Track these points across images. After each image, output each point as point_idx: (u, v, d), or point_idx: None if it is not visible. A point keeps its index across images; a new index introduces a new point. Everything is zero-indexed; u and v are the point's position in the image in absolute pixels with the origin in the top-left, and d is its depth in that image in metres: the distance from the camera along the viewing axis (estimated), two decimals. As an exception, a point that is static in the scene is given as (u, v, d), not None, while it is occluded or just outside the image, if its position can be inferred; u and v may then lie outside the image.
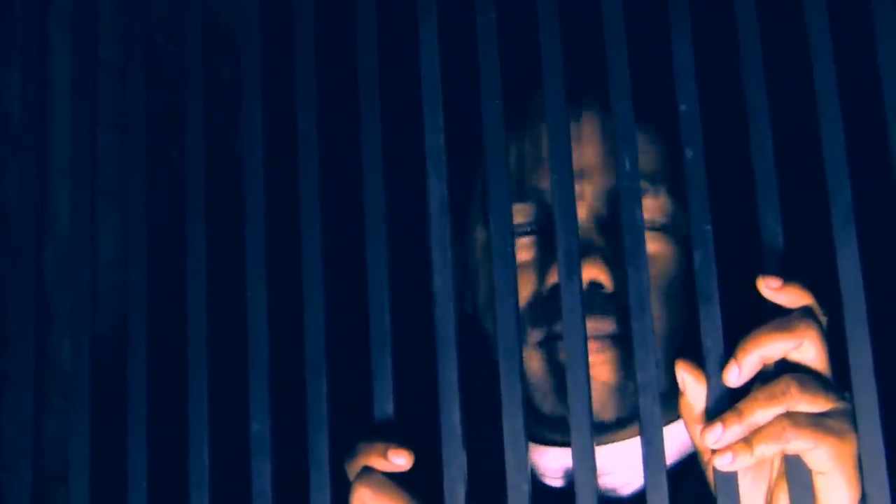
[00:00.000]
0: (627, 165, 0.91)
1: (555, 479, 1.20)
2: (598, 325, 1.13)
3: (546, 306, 1.15)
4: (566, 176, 0.92)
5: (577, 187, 1.15)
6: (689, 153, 0.90)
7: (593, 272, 1.13)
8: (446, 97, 0.96)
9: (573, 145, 1.04)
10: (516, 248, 1.15)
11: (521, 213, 1.19)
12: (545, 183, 1.17)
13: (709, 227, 0.89)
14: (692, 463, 1.11)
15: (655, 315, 1.04)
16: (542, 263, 1.17)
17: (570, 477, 1.18)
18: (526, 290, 1.16)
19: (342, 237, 1.03)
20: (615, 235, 1.16)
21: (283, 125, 1.01)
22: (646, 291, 0.89)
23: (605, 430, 1.15)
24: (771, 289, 0.89)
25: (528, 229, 1.19)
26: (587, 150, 1.18)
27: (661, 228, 1.17)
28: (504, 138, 0.94)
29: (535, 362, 1.16)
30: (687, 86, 0.91)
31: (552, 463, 1.20)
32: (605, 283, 1.13)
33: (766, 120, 0.89)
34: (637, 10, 0.95)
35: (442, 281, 0.93)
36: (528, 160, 1.20)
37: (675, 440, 1.15)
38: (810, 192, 0.95)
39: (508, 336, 0.91)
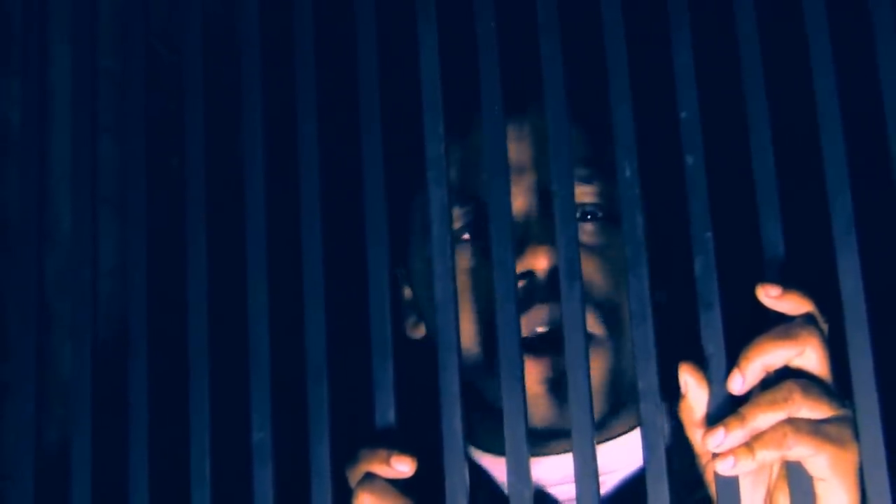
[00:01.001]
0: (628, 173, 0.91)
1: (557, 487, 1.20)
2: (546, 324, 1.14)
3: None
4: (567, 185, 0.92)
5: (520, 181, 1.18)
6: (689, 160, 0.90)
7: (544, 259, 1.14)
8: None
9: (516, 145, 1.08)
10: (462, 253, 1.16)
11: (462, 217, 1.19)
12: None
13: (709, 234, 0.89)
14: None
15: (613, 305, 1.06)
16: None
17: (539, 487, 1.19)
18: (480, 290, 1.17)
19: (344, 244, 1.03)
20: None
21: (284, 133, 1.01)
22: (647, 300, 0.89)
23: (538, 439, 1.15)
24: (771, 297, 0.89)
25: (469, 232, 1.20)
26: (519, 146, 1.19)
27: (599, 212, 1.18)
28: (506, 145, 0.94)
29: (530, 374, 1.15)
30: (687, 93, 0.91)
31: (554, 473, 1.19)
32: (539, 269, 1.14)
33: (766, 126, 0.89)
34: (635, 15, 0.95)
35: (443, 289, 0.93)
36: (469, 165, 1.21)
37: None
38: (811, 197, 0.95)
39: (510, 344, 0.91)
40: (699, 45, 0.92)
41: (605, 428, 1.19)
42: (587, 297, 1.13)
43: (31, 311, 1.02)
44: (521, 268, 1.14)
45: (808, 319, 0.90)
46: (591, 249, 1.17)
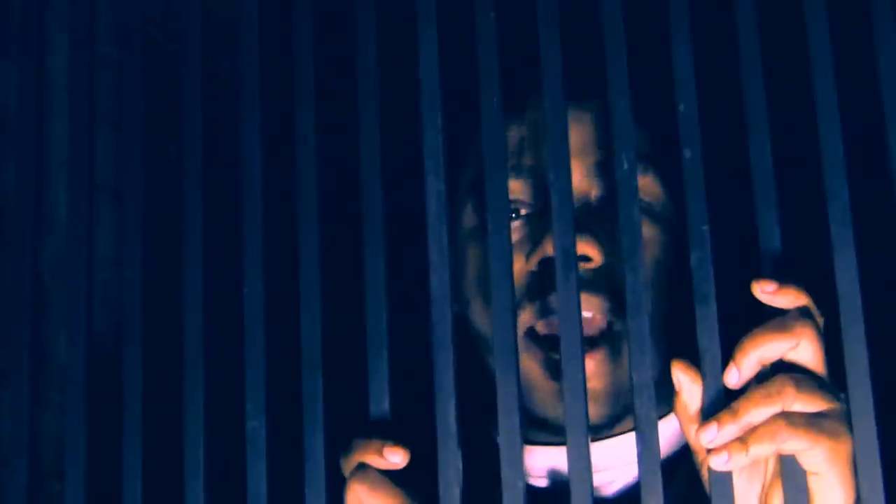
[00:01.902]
0: (626, 165, 0.91)
1: (539, 479, 1.20)
2: (586, 307, 1.13)
3: (534, 284, 1.16)
4: (565, 178, 0.92)
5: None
6: (687, 153, 0.90)
7: (583, 247, 1.14)
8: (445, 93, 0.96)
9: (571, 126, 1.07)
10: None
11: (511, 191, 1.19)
12: (522, 174, 1.18)
13: (706, 228, 0.89)
14: (679, 460, 1.11)
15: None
16: (532, 241, 1.17)
17: (554, 477, 1.19)
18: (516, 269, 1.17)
19: (340, 235, 1.03)
20: (604, 212, 1.17)
21: (282, 123, 1.01)
22: (642, 292, 0.89)
23: (597, 431, 1.15)
24: (766, 293, 0.89)
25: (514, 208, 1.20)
26: (577, 131, 1.19)
27: (647, 210, 1.17)
28: (504, 139, 0.94)
29: (527, 361, 1.16)
30: (686, 86, 0.91)
31: (537, 462, 1.19)
32: (593, 256, 1.14)
33: (764, 120, 0.89)
34: (636, 10, 0.95)
35: (439, 281, 0.93)
36: (526, 139, 1.20)
37: (665, 436, 1.15)
38: (807, 191, 0.95)
39: (505, 334, 0.91)
40: (698, 39, 0.91)
41: (617, 424, 1.18)
42: (600, 285, 1.13)
43: (27, 299, 1.02)
44: (539, 256, 1.15)
45: (803, 312, 0.90)
46: (608, 235, 1.17)
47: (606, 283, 1.15)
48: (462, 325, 1.23)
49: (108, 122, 1.35)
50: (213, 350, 0.97)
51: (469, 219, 1.23)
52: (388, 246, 0.95)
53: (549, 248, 1.14)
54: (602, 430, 1.17)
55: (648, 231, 1.17)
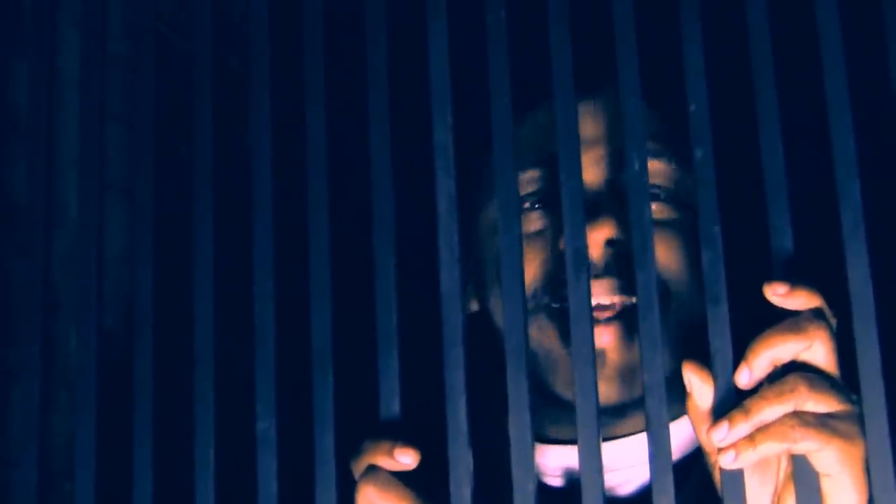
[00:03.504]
0: (637, 165, 0.90)
1: (554, 478, 1.20)
2: (607, 294, 1.14)
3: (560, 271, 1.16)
4: (576, 177, 0.92)
5: (591, 153, 1.17)
6: (698, 153, 0.90)
7: (606, 230, 1.14)
8: (455, 91, 0.96)
9: (585, 119, 1.08)
10: (527, 219, 1.16)
11: (531, 182, 1.19)
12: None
13: (718, 228, 0.88)
14: (693, 462, 1.11)
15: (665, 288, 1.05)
16: (555, 230, 1.17)
17: (569, 476, 1.18)
18: (540, 256, 1.17)
19: (350, 233, 1.03)
20: (619, 198, 1.17)
21: (292, 120, 1.01)
22: (653, 290, 0.88)
23: (616, 413, 1.15)
24: (778, 295, 0.89)
25: (537, 198, 1.20)
26: (593, 121, 1.19)
27: (666, 196, 1.17)
28: (512, 137, 0.94)
29: (548, 335, 1.15)
30: (697, 85, 0.91)
31: (551, 461, 1.19)
32: (619, 237, 1.14)
33: (775, 120, 0.89)
34: (647, 7, 0.95)
35: (449, 279, 0.93)
36: (545, 129, 1.20)
37: (678, 437, 1.14)
38: (819, 191, 0.94)
39: (516, 334, 0.90)
40: (710, 38, 0.91)
41: (629, 413, 1.18)
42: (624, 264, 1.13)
43: (37, 298, 1.02)
44: (602, 235, 1.15)
45: (816, 313, 0.89)
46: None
47: (623, 264, 1.15)
48: (478, 322, 1.23)
49: (120, 121, 1.35)
50: (224, 349, 0.97)
51: (493, 213, 1.22)
52: (398, 244, 0.95)
53: (607, 231, 1.15)
54: (620, 412, 1.16)
55: (666, 213, 1.18)
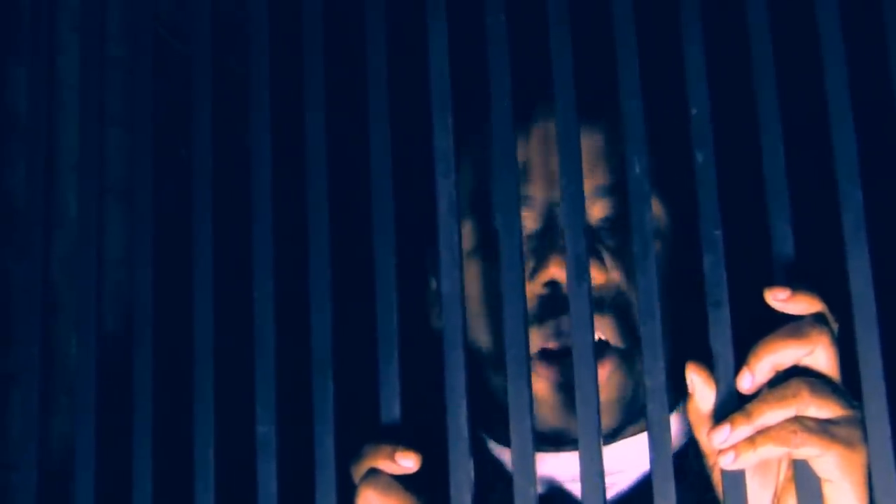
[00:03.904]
0: (637, 168, 0.90)
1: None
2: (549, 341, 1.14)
3: (545, 305, 1.15)
4: (577, 184, 0.91)
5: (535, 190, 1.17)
6: (699, 157, 0.90)
7: (552, 272, 1.14)
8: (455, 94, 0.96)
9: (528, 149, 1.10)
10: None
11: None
12: (528, 189, 1.17)
13: (719, 232, 0.88)
14: (682, 463, 1.11)
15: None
16: (536, 259, 1.17)
17: (548, 483, 1.18)
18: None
19: (351, 237, 1.03)
20: (609, 233, 1.17)
21: (292, 124, 1.00)
22: (655, 296, 0.88)
23: (544, 443, 1.15)
24: (780, 300, 0.89)
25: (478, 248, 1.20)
26: (537, 153, 1.19)
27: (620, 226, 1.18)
28: (514, 142, 0.93)
29: (536, 380, 1.15)
30: (698, 89, 0.90)
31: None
32: (595, 276, 1.13)
33: (776, 123, 0.89)
34: (647, 11, 0.95)
35: (450, 284, 0.93)
36: (528, 155, 1.20)
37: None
38: (821, 195, 0.94)
39: (517, 341, 0.90)
40: (710, 41, 0.91)
41: (621, 434, 1.18)
42: (606, 305, 1.13)
43: (37, 301, 1.02)
44: (545, 277, 1.14)
45: (817, 318, 0.89)
46: (613, 255, 1.17)
47: (612, 303, 1.15)
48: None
49: (119, 124, 1.35)
50: (224, 351, 0.97)
51: (467, 238, 1.22)
52: (398, 248, 0.95)
53: (553, 271, 1.14)
54: (604, 440, 1.16)
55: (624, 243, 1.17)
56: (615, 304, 1.15)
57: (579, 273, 0.90)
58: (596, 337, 1.12)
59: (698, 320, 0.89)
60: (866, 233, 0.85)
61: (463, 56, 0.97)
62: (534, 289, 1.15)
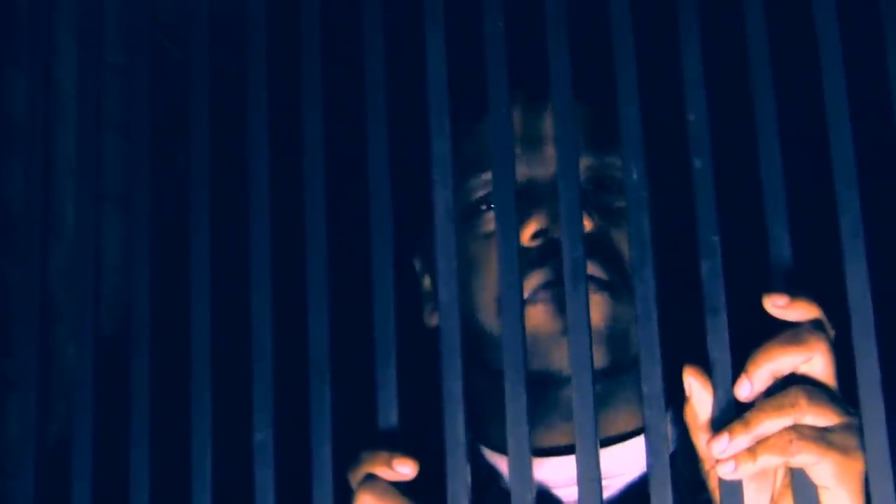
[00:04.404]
0: (635, 175, 0.90)
1: None
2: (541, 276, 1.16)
3: (535, 255, 1.17)
4: (574, 188, 0.91)
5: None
6: (697, 163, 0.90)
7: (538, 222, 1.16)
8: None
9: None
10: (486, 220, 1.18)
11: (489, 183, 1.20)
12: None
13: (716, 238, 0.88)
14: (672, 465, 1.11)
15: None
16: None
17: (538, 487, 1.18)
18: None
19: (348, 243, 1.02)
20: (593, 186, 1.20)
21: (290, 126, 1.00)
22: (652, 302, 0.88)
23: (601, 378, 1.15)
24: (778, 307, 0.89)
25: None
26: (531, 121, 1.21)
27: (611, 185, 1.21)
28: (513, 144, 0.94)
29: (533, 312, 1.16)
30: (696, 95, 0.90)
31: None
32: (549, 227, 1.16)
33: (774, 130, 0.89)
34: (645, 17, 0.95)
35: (448, 291, 0.93)
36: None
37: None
38: (818, 201, 0.94)
39: (514, 347, 0.90)
40: (708, 47, 0.91)
41: (614, 374, 1.19)
42: (594, 250, 1.13)
43: (35, 308, 1.02)
44: (533, 228, 1.17)
45: (815, 325, 0.89)
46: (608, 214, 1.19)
47: (601, 246, 1.17)
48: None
49: (117, 130, 1.35)
50: (221, 358, 0.97)
51: (488, 223, 1.23)
52: (396, 253, 0.95)
53: (537, 222, 1.16)
54: (605, 377, 1.17)
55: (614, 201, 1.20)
56: (602, 247, 1.16)
57: (576, 278, 0.90)
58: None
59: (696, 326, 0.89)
60: (863, 239, 0.85)
61: (461, 60, 0.97)
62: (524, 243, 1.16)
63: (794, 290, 0.88)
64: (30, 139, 1.05)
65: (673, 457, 1.10)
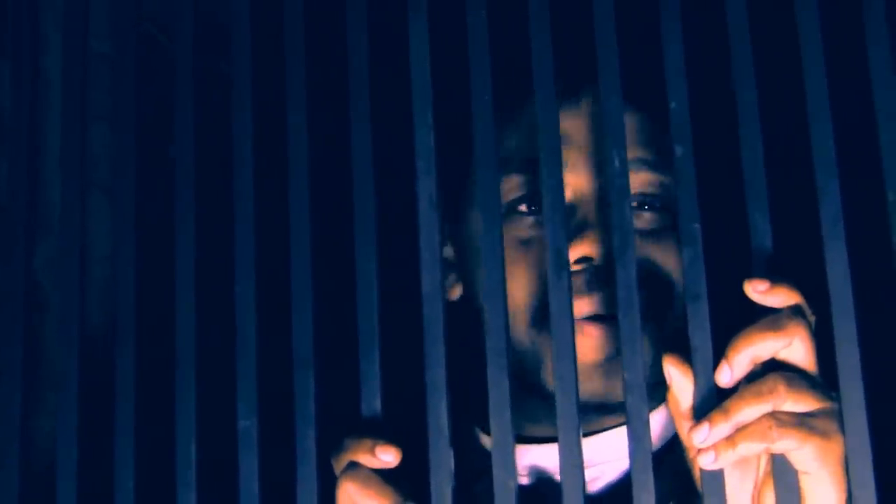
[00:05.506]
0: (617, 163, 0.90)
1: (521, 477, 1.19)
2: (585, 306, 1.13)
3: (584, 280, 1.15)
4: (556, 176, 0.92)
5: (573, 161, 1.17)
6: (679, 150, 0.90)
7: (583, 248, 1.13)
8: (438, 91, 0.96)
9: (572, 122, 1.09)
10: (524, 225, 1.15)
11: (521, 185, 1.19)
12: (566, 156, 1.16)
13: (697, 226, 0.88)
14: (664, 456, 1.11)
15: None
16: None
17: (537, 475, 1.18)
18: (538, 259, 1.16)
19: (332, 233, 1.03)
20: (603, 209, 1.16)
21: (274, 121, 1.01)
22: (634, 289, 0.88)
23: (590, 412, 1.14)
24: (759, 292, 0.89)
25: (529, 202, 1.19)
26: (580, 127, 1.18)
27: (662, 205, 1.17)
28: (494, 135, 0.94)
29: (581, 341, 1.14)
30: (677, 83, 0.91)
31: (521, 461, 1.18)
32: (592, 255, 1.13)
33: (755, 118, 0.89)
34: (627, 7, 0.95)
35: (430, 280, 0.93)
36: (529, 132, 1.19)
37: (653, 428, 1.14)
38: (799, 189, 0.94)
39: (496, 333, 0.91)
40: (690, 36, 0.91)
41: (611, 413, 1.17)
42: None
43: (19, 298, 1.02)
44: (578, 254, 1.14)
45: (795, 310, 0.90)
46: (646, 236, 1.16)
47: (608, 280, 1.14)
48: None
49: (105, 120, 1.35)
50: (206, 348, 0.97)
51: (522, 229, 1.20)
52: (379, 244, 0.95)
53: (584, 247, 1.14)
54: (592, 413, 1.16)
55: (655, 222, 1.17)
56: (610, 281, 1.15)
57: (559, 266, 0.90)
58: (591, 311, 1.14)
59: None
60: (844, 226, 0.86)
61: (445, 52, 0.97)
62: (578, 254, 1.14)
63: (775, 277, 0.88)
64: (15, 130, 1.05)
65: (672, 444, 1.11)
